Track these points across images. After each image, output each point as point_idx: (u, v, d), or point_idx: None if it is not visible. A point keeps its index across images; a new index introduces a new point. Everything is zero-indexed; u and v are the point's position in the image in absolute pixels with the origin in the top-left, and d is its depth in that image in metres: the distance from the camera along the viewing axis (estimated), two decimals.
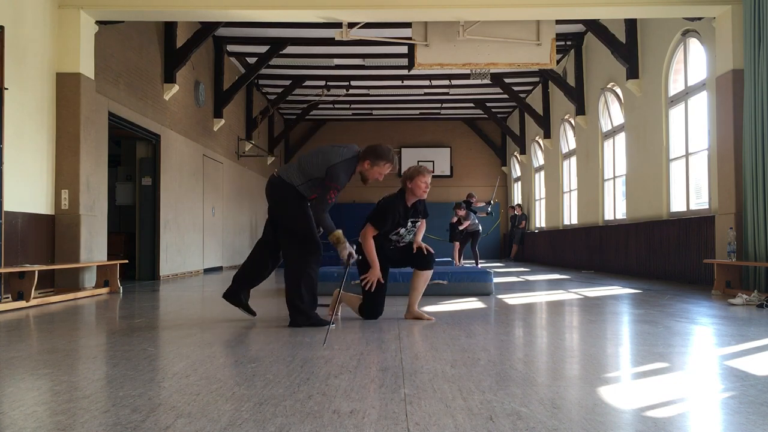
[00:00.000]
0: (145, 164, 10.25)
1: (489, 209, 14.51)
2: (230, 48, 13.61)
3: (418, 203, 4.82)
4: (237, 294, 4.74)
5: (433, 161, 20.98)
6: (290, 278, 4.38)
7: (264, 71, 14.79)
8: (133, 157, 10.62)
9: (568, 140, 14.79)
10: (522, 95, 17.13)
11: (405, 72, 14.53)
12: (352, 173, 4.42)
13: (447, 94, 17.31)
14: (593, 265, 12.24)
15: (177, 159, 11.01)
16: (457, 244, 13.02)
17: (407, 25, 9.06)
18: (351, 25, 8.23)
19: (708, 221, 8.02)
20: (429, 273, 4.83)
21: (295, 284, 4.35)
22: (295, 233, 4.41)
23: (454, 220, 13.03)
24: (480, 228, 13.30)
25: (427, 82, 16.03)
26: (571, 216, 14.72)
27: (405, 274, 6.91)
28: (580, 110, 13.03)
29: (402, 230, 4.76)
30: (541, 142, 16.68)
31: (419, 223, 4.86)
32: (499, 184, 18.12)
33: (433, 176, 21.96)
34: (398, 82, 16.01)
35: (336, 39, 8.52)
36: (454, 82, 15.82)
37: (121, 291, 7.62)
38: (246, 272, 4.73)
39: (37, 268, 5.98)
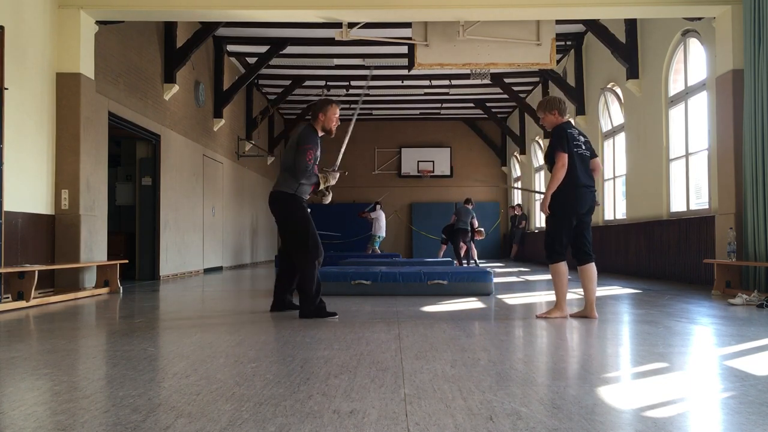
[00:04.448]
0: (145, 164, 10.24)
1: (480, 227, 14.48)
2: (230, 48, 13.60)
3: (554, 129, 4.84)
4: (281, 303, 5.31)
5: (433, 161, 20.99)
6: (299, 278, 5.03)
7: (264, 71, 14.78)
8: (133, 157, 10.61)
9: None
10: (522, 95, 17.11)
11: (405, 72, 14.53)
12: (316, 135, 5.03)
13: (447, 94, 17.30)
14: None
15: (177, 159, 11.00)
16: (462, 245, 13.47)
17: (407, 25, 9.06)
18: (351, 25, 8.23)
19: (708, 221, 8.02)
20: (588, 267, 4.83)
21: (300, 282, 4.99)
22: (298, 237, 4.98)
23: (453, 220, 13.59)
24: (466, 227, 13.51)
25: (427, 82, 16.02)
26: None
27: (404, 274, 6.91)
28: (580, 110, 13.03)
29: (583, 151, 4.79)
30: (541, 142, 16.66)
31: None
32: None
33: (433, 176, 22.09)
34: (398, 82, 16.01)
35: (336, 39, 8.52)
36: (454, 82, 15.81)
37: (121, 291, 7.61)
38: (279, 283, 5.32)
39: (37, 268, 5.97)
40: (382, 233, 15.87)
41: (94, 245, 7.65)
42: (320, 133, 5.07)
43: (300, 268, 4.95)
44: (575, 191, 4.72)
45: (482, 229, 14.23)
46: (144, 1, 7.47)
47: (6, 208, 6.09)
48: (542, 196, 5.26)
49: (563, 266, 4.80)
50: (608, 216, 12.11)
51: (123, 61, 9.01)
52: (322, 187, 5.11)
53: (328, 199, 5.23)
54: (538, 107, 4.95)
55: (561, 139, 4.69)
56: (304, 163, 4.86)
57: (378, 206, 16.17)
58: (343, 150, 5.81)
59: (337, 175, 5.20)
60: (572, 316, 4.90)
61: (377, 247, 15.83)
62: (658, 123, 9.57)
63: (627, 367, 3.10)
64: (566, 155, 4.65)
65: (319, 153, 5.01)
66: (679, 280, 8.84)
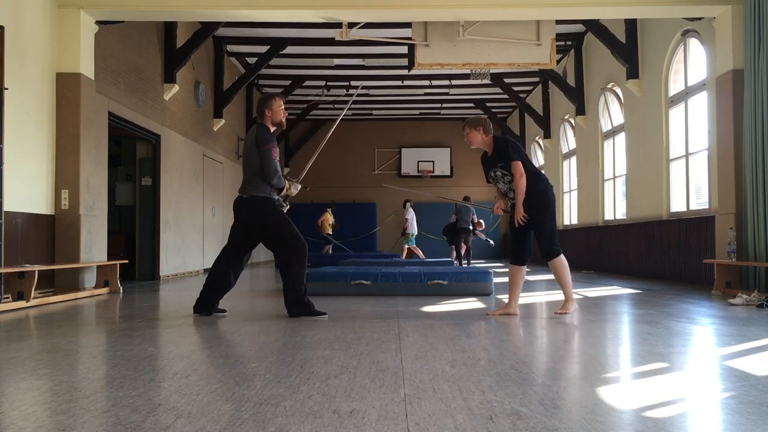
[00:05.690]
0: (145, 164, 10.24)
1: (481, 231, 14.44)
2: (230, 48, 13.60)
3: (497, 144, 4.85)
4: (210, 307, 5.03)
5: (433, 161, 20.97)
6: (285, 277, 4.91)
7: (264, 71, 14.78)
8: (133, 157, 10.61)
9: (568, 140, 14.78)
10: (522, 95, 17.12)
11: (405, 72, 14.53)
12: (269, 131, 4.95)
13: (447, 94, 17.30)
14: (593, 265, 12.24)
15: (177, 159, 11.01)
16: (463, 245, 13.51)
17: (407, 25, 9.06)
18: (351, 25, 8.23)
19: (708, 221, 8.02)
20: (523, 269, 4.95)
21: (289, 282, 4.88)
22: (282, 238, 4.87)
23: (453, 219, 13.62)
24: (468, 226, 13.50)
25: (427, 82, 16.02)
26: (571, 216, 14.72)
27: (404, 274, 6.91)
28: (580, 110, 13.03)
29: (499, 176, 4.92)
30: (541, 142, 16.68)
31: (507, 175, 4.80)
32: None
33: (433, 176, 22.00)
34: (398, 82, 16.01)
35: (336, 39, 8.52)
36: (454, 82, 15.81)
37: (121, 291, 7.61)
38: (212, 288, 5.02)
39: (37, 268, 5.97)
40: (415, 230, 15.51)
41: (94, 245, 7.65)
42: (272, 128, 5.01)
43: (287, 269, 4.84)
44: (550, 189, 4.95)
45: (482, 221, 14.19)
46: (144, 1, 7.47)
47: (6, 208, 6.09)
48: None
49: (564, 258, 4.88)
50: (608, 216, 12.10)
51: (123, 61, 9.01)
52: (283, 193, 4.98)
53: (285, 209, 5.03)
54: (464, 125, 4.99)
55: (514, 150, 4.79)
56: (273, 163, 4.80)
57: (408, 204, 15.81)
58: (308, 167, 5.60)
59: (299, 187, 5.11)
60: (490, 314, 4.99)
61: (413, 245, 15.44)
62: (658, 123, 9.57)
63: (627, 367, 3.10)
64: (521, 163, 4.77)
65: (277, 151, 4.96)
66: (679, 280, 8.84)
